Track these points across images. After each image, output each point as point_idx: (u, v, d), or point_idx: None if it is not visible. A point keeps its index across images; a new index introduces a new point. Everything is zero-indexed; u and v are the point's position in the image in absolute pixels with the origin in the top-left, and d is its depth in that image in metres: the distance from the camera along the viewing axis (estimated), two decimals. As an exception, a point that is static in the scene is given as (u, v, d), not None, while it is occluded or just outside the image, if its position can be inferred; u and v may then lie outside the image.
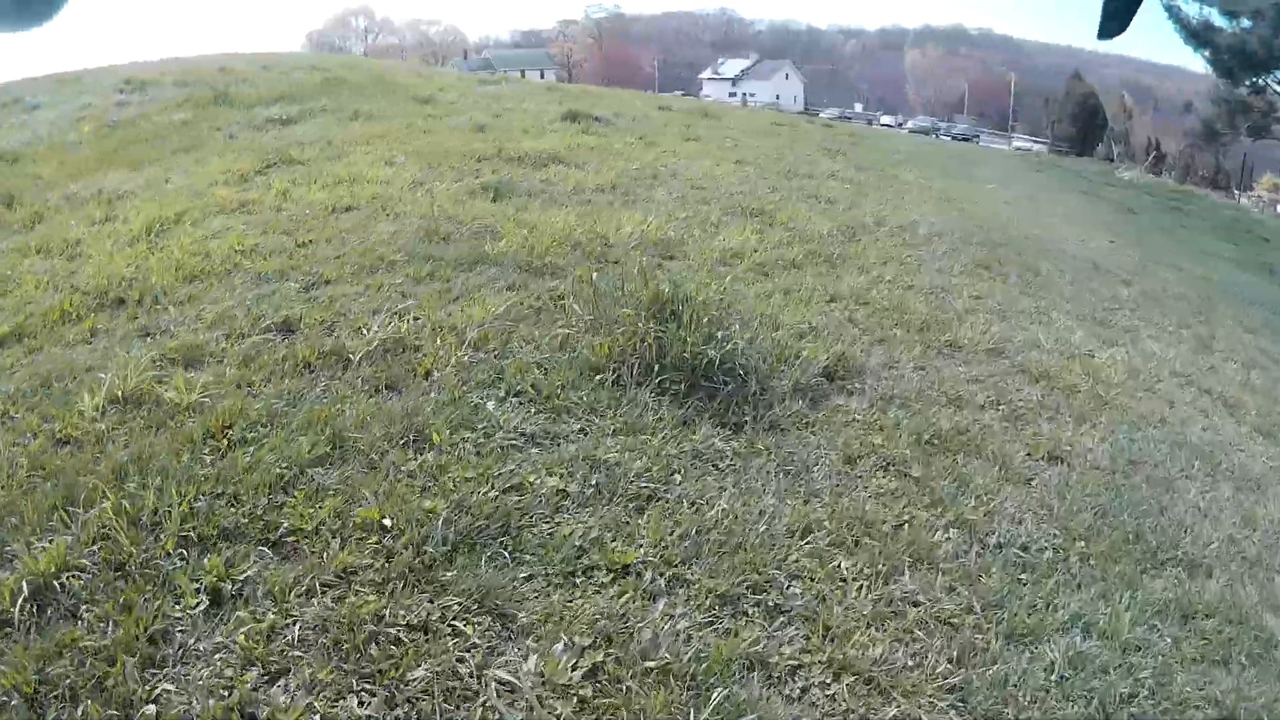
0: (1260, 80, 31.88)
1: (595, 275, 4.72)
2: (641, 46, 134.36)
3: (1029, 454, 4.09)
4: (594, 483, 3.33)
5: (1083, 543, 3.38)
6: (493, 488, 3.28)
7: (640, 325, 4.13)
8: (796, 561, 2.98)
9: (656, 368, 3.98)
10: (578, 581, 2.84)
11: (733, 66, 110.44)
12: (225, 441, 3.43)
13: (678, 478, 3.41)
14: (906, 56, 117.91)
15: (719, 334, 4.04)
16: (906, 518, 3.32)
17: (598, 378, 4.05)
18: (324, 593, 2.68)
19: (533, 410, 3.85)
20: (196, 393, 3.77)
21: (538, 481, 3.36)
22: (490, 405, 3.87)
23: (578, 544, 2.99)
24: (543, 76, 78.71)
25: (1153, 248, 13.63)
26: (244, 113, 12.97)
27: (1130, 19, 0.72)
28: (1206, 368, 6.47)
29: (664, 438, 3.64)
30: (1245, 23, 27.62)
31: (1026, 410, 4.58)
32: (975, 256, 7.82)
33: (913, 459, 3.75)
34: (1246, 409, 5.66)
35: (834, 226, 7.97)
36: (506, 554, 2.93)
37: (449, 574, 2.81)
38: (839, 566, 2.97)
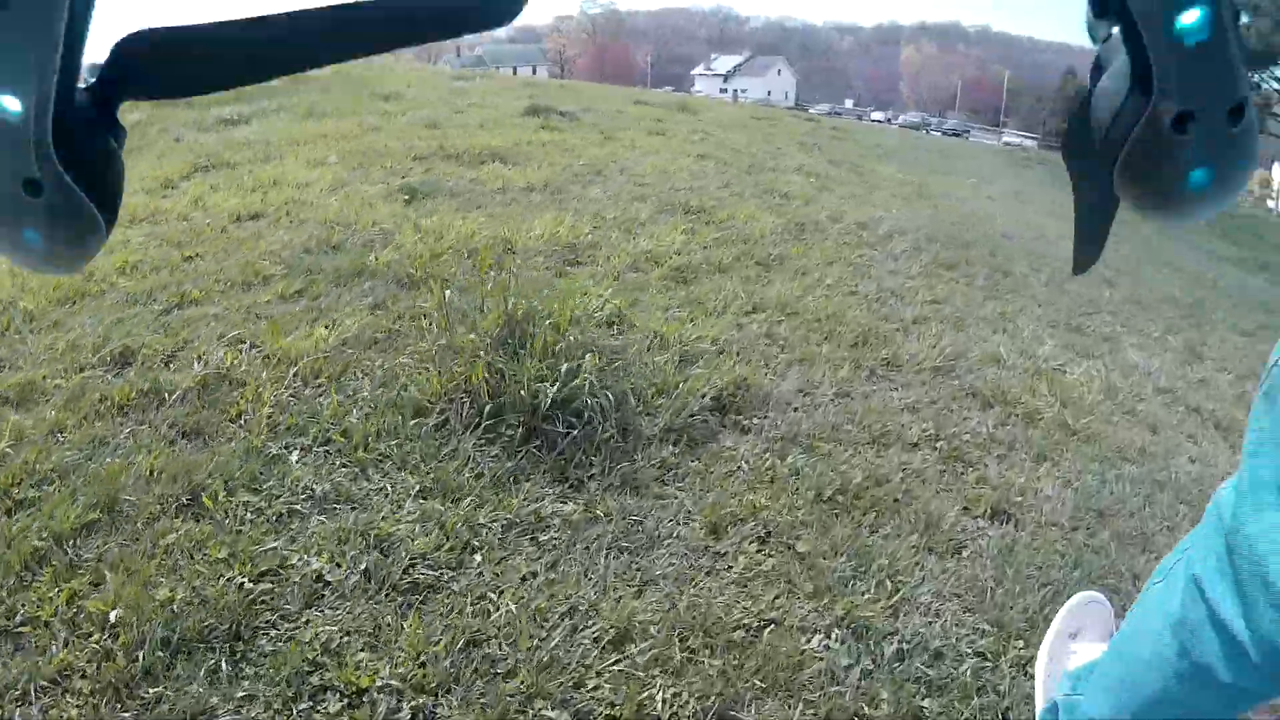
0: (1258, 75, 32.34)
1: (449, 291, 3.83)
2: (636, 43, 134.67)
3: (966, 510, 3.19)
4: (363, 566, 2.48)
5: (1021, 643, 2.50)
6: (244, 571, 2.47)
7: (482, 354, 3.27)
8: (595, 689, 2.12)
9: (490, 408, 3.12)
10: (299, 709, 2.04)
11: (725, 63, 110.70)
12: (7, 504, 2.76)
13: (477, 558, 2.55)
14: (902, 53, 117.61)
15: (563, 365, 3.15)
16: (774, 615, 2.44)
17: (418, 422, 3.19)
18: (38, 698, 2.07)
19: (336, 463, 3.03)
20: (5, 440, 3.07)
21: (300, 563, 2.53)
22: (294, 457, 3.05)
23: (310, 656, 2.17)
24: (535, 73, 79.52)
25: (1145, 245, 12.79)
26: (199, 112, 12.10)
27: (1102, 246, 0.69)
28: (1196, 380, 5.60)
29: (475, 502, 2.78)
30: (1244, 18, 27.25)
31: (972, 448, 3.70)
32: (939, 256, 6.96)
33: (804, 525, 2.85)
34: (1240, 430, 4.77)
35: (781, 224, 7.10)
36: (229, 665, 2.16)
37: (158, 689, 2.09)
38: (653, 698, 2.10)
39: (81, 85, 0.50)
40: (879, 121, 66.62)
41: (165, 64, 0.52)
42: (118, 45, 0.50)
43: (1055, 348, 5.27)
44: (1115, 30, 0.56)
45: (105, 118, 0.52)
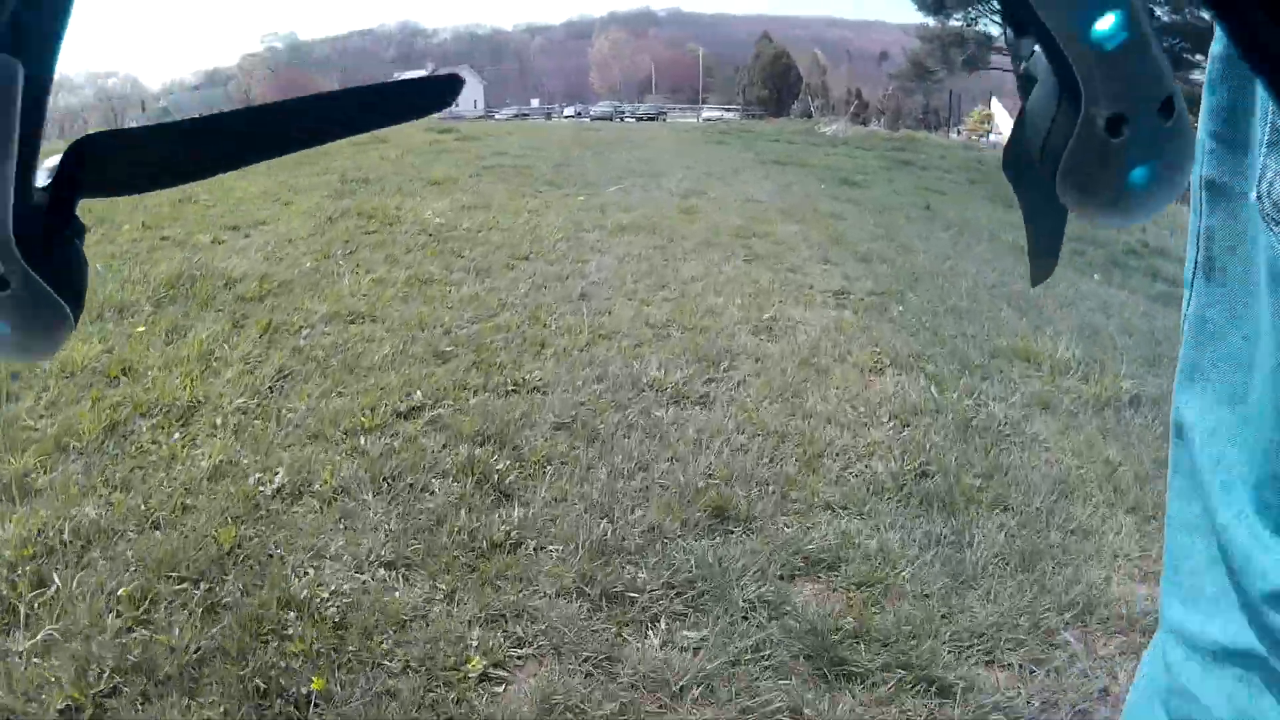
0: (973, 11, 32.82)
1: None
2: (323, 72, 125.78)
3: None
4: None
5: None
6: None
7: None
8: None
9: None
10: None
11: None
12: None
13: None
14: (594, 46, 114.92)
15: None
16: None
17: None
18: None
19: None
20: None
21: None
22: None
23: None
24: None
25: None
26: None
27: (1057, 256, 0.64)
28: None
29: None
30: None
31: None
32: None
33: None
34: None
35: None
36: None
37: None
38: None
39: (39, 185, 0.50)
40: (571, 117, 64.05)
41: (118, 163, 0.53)
42: (71, 147, 0.50)
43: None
44: (1035, 48, 0.54)
45: (64, 215, 0.53)
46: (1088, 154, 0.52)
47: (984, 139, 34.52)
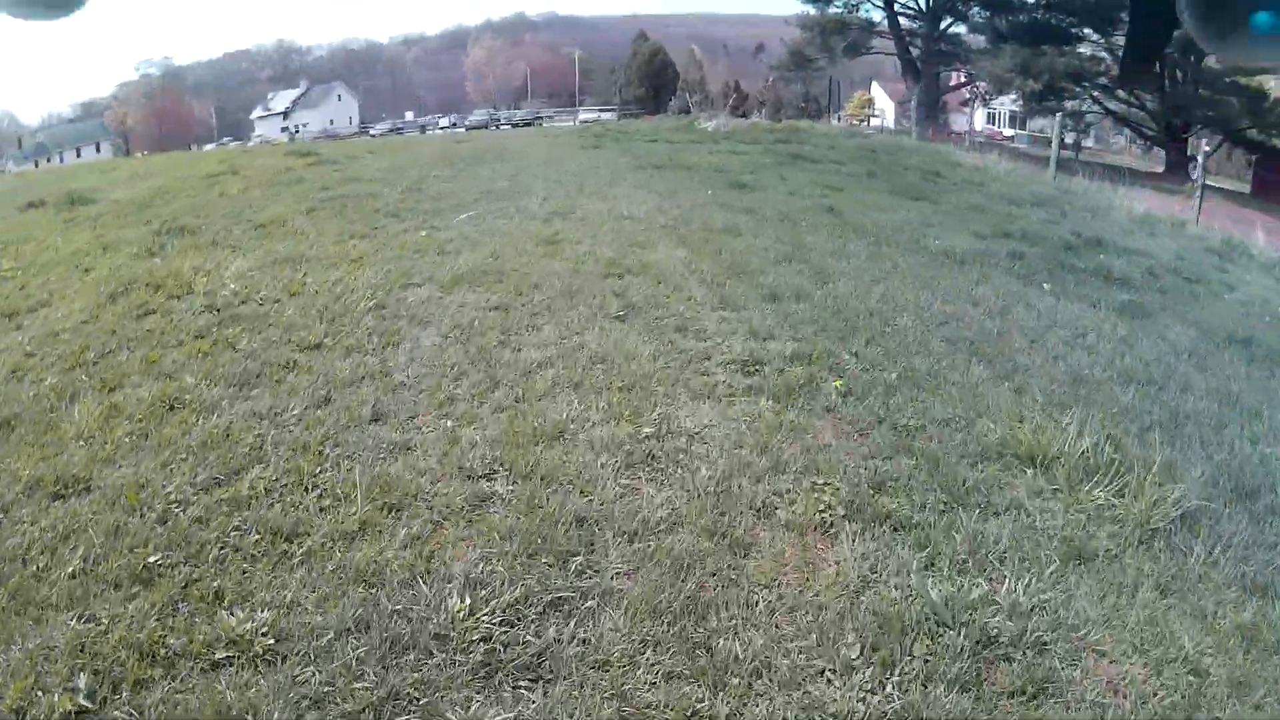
0: None
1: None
2: (200, 96, 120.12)
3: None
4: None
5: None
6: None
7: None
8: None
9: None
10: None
11: (284, 99, 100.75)
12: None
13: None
14: (469, 54, 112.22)
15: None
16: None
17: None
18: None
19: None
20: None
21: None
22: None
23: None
24: (99, 151, 70.22)
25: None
26: None
27: (1153, 64, 0.82)
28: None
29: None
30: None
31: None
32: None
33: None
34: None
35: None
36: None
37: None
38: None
39: None
40: (446, 128, 63.36)
41: None
42: None
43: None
44: None
45: None
46: None
47: (865, 124, 33.76)
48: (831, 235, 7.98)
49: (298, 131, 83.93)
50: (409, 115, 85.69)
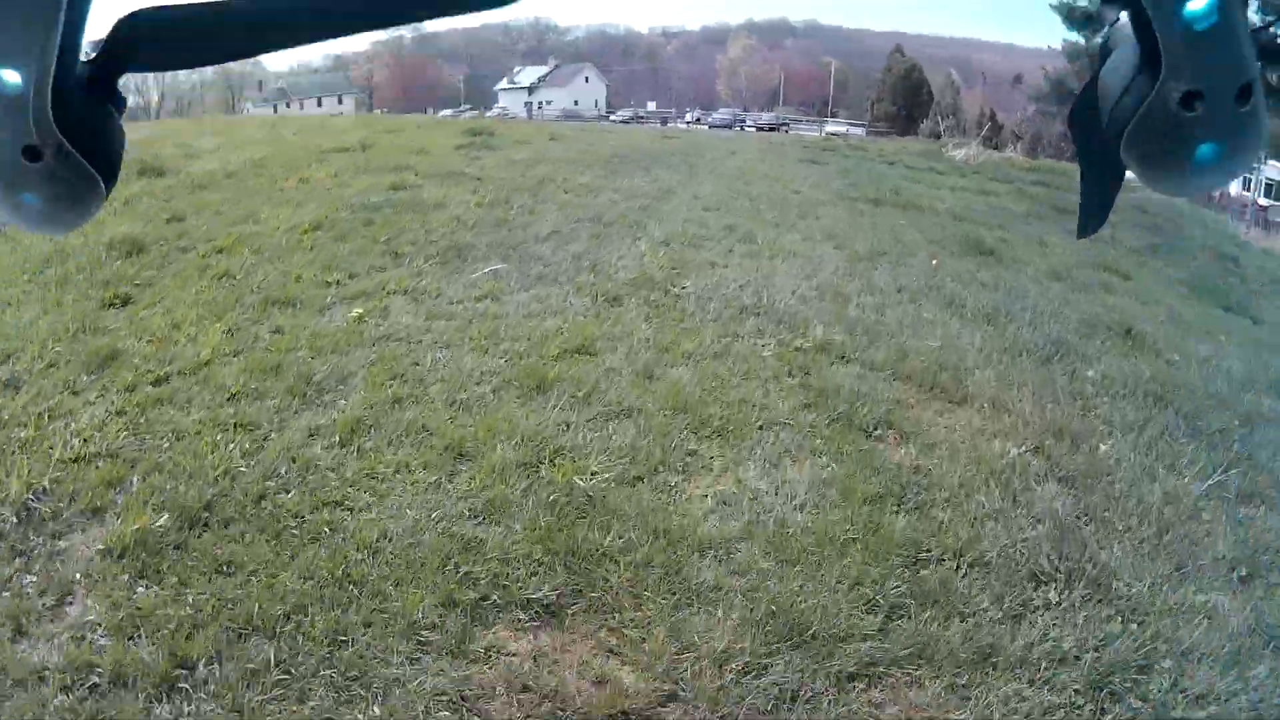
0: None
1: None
2: (451, 63, 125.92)
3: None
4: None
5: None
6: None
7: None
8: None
9: None
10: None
11: (530, 74, 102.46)
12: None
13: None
14: (725, 53, 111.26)
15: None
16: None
17: None
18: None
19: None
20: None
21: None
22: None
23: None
24: (340, 103, 73.47)
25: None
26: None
27: (1108, 213, 0.74)
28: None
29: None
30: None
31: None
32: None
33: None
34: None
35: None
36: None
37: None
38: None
39: (84, 59, 0.54)
40: (690, 123, 62.72)
41: (162, 40, 0.55)
42: (118, 23, 0.53)
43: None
44: (1123, 14, 0.59)
45: (106, 89, 0.56)
46: (1158, 125, 0.56)
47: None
48: (1151, 432, 4.50)
49: (540, 108, 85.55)
50: (651, 105, 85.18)
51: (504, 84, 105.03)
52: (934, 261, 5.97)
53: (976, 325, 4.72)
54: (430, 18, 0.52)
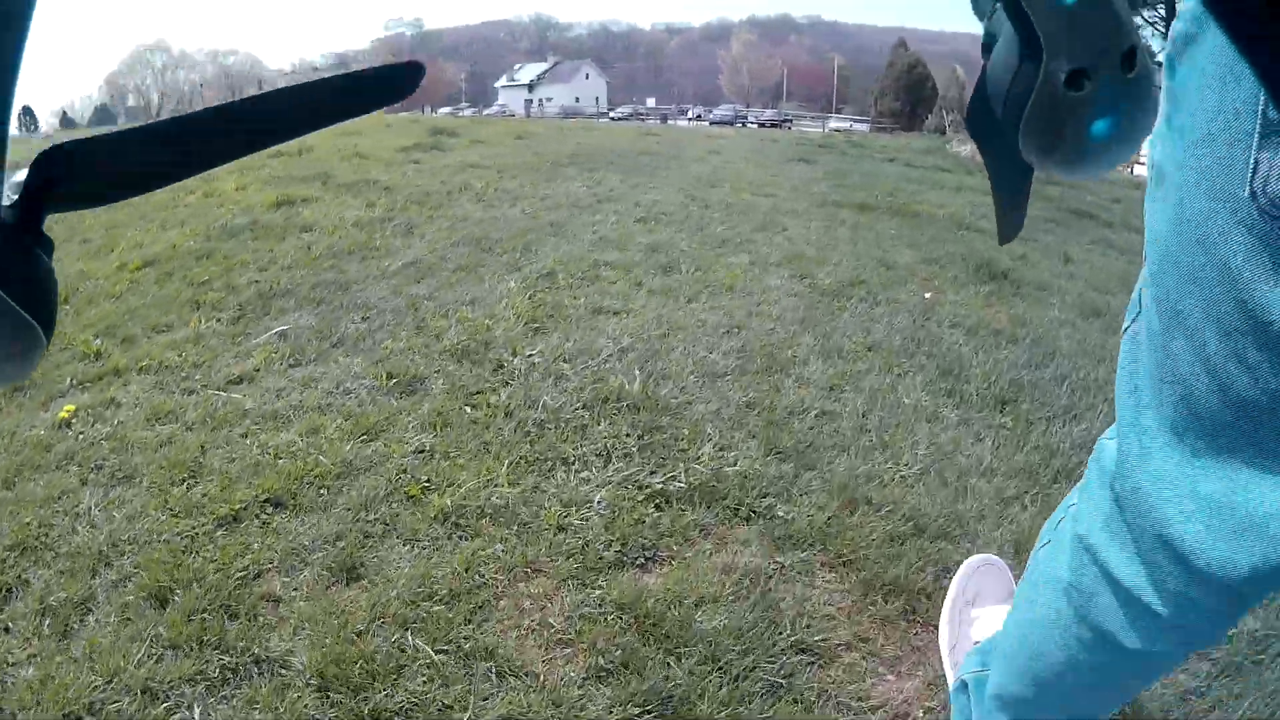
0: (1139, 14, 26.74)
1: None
2: (452, 60, 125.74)
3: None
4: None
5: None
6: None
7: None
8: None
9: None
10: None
11: (530, 71, 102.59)
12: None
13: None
14: (731, 48, 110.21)
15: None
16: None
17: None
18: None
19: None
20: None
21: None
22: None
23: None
24: None
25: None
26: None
27: (1024, 213, 0.72)
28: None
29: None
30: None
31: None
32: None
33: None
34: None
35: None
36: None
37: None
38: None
39: (6, 203, 0.50)
40: (691, 119, 63.08)
41: (85, 175, 0.51)
42: (37, 160, 0.49)
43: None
44: (998, 5, 0.56)
45: (32, 232, 0.52)
46: (1048, 109, 0.54)
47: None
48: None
49: (540, 105, 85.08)
50: (650, 102, 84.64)
51: (504, 81, 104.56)
52: (927, 295, 4.43)
53: (986, 415, 2.84)
54: (343, 119, 0.50)
